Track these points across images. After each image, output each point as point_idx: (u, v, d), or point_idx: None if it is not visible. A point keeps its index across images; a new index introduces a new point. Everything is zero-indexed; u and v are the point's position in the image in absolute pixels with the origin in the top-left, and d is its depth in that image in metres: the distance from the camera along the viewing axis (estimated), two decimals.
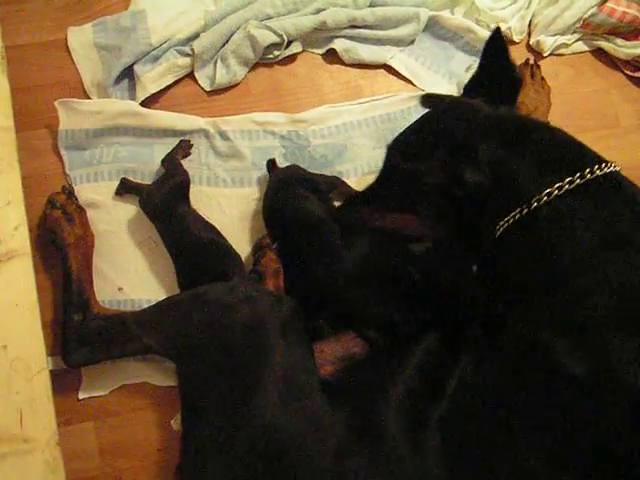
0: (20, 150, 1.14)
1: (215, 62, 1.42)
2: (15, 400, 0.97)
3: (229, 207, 1.32)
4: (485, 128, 0.91)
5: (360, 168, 1.36)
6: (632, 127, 1.48)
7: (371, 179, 1.31)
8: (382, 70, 1.48)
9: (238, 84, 1.43)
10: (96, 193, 1.30)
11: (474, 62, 1.46)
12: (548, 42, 1.49)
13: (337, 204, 1.28)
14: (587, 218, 0.83)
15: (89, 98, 1.38)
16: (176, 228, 1.20)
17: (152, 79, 1.36)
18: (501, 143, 0.89)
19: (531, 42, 1.51)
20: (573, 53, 1.53)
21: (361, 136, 1.39)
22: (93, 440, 1.18)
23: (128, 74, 1.39)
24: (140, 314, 1.09)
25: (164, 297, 1.20)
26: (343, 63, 1.47)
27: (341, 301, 1.11)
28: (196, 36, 1.42)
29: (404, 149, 1.00)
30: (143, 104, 1.37)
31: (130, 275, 1.26)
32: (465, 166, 0.88)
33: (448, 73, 1.49)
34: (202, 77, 1.42)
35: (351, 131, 1.39)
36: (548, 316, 0.83)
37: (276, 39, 1.40)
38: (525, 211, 0.86)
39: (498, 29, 1.03)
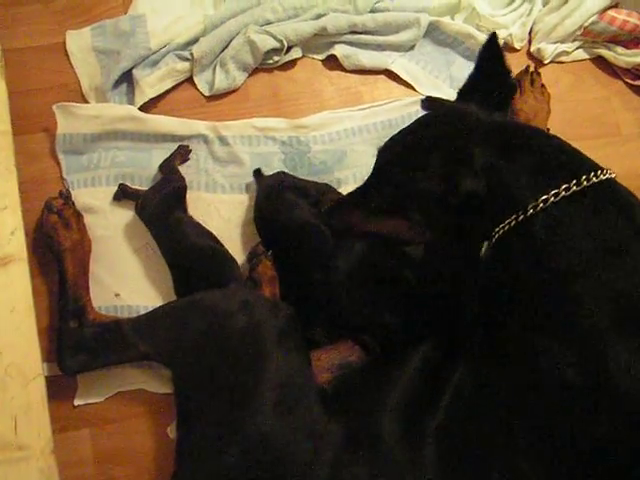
0: (17, 154, 1.14)
1: (214, 67, 1.41)
2: (10, 407, 0.96)
3: (227, 213, 1.31)
4: (480, 134, 0.91)
5: (359, 175, 1.35)
6: (632, 135, 1.48)
7: None
8: (382, 76, 1.48)
9: (237, 89, 1.42)
10: (94, 198, 1.30)
11: None
12: (549, 49, 1.49)
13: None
14: (583, 225, 0.83)
15: (87, 102, 1.38)
16: (171, 234, 1.19)
17: (151, 84, 1.36)
18: (496, 149, 0.89)
19: (532, 49, 1.51)
20: (573, 61, 1.53)
21: (361, 142, 1.39)
22: (88, 447, 1.17)
23: (127, 78, 1.39)
24: (136, 321, 1.09)
25: (161, 303, 1.20)
26: (343, 69, 1.47)
27: (337, 306, 1.10)
28: (195, 41, 1.42)
29: (396, 154, 1.00)
30: (142, 109, 1.36)
31: (127, 281, 1.25)
32: (460, 173, 0.87)
33: (449, 78, 1.49)
34: (201, 82, 1.42)
35: (352, 137, 1.39)
36: (545, 323, 0.83)
37: (276, 44, 1.40)
38: (521, 217, 0.86)
39: (494, 34, 1.03)
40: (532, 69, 1.41)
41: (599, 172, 0.85)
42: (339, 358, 1.05)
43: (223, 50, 1.41)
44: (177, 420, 1.00)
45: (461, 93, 1.07)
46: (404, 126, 1.37)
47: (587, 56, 1.52)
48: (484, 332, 0.93)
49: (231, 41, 1.41)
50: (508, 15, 1.51)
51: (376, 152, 1.35)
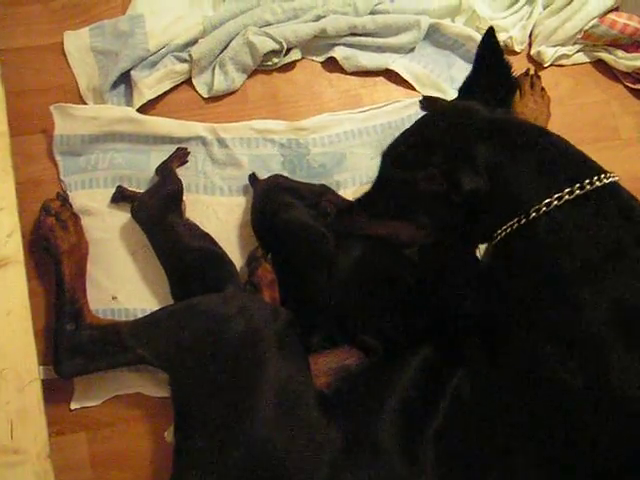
0: (14, 155, 1.13)
1: (213, 68, 1.40)
2: (5, 410, 0.96)
3: (225, 215, 1.31)
4: (482, 131, 0.90)
5: (358, 178, 1.35)
6: (632, 139, 1.48)
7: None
8: (382, 78, 1.47)
9: (236, 91, 1.42)
10: (91, 200, 1.29)
11: None
12: (549, 53, 1.48)
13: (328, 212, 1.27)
14: (586, 230, 0.82)
15: (85, 103, 1.37)
16: (166, 237, 1.19)
17: (149, 85, 1.35)
18: (500, 147, 0.88)
19: (532, 52, 1.51)
20: (574, 64, 1.52)
21: (361, 145, 1.38)
22: (85, 451, 1.16)
23: (125, 79, 1.38)
24: (134, 324, 1.08)
25: (159, 306, 1.20)
26: (343, 71, 1.46)
27: (337, 309, 1.09)
28: (194, 42, 1.41)
29: (398, 156, 0.99)
30: (140, 110, 1.35)
31: (124, 284, 1.25)
32: (462, 170, 0.87)
33: (449, 78, 1.48)
34: (200, 83, 1.41)
35: (351, 140, 1.38)
36: (547, 328, 0.83)
37: (275, 46, 1.39)
38: (523, 221, 0.85)
39: (491, 29, 1.02)
40: (532, 72, 1.41)
41: (602, 176, 0.85)
42: (336, 361, 1.05)
43: (222, 51, 1.40)
44: (175, 424, 1.00)
45: (462, 91, 1.06)
46: (404, 128, 1.37)
47: (587, 59, 1.52)
48: (484, 334, 0.93)
49: (230, 42, 1.40)
50: (508, 18, 1.50)
51: (376, 155, 1.37)
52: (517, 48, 1.50)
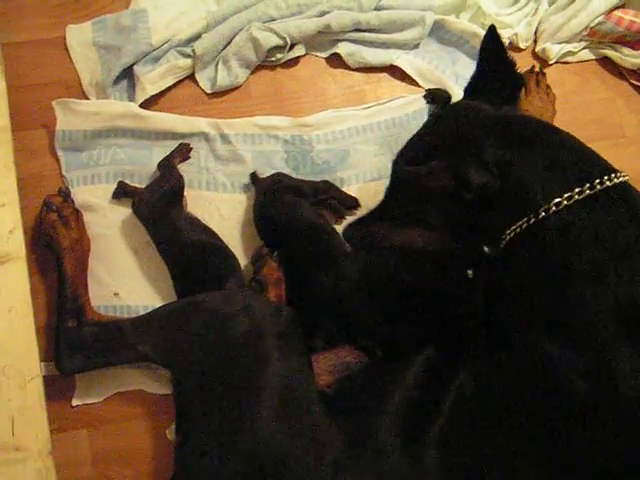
0: (16, 151, 1.13)
1: (216, 64, 1.40)
2: (7, 407, 0.96)
3: (228, 212, 1.30)
4: (490, 127, 0.90)
5: (362, 175, 1.34)
6: (637, 137, 1.47)
7: (373, 187, 1.30)
8: (386, 74, 1.46)
9: (239, 87, 1.41)
10: (93, 196, 1.28)
11: None
12: (554, 50, 1.47)
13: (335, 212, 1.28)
14: (595, 231, 0.82)
15: (87, 98, 1.36)
16: (167, 232, 1.18)
17: (152, 80, 1.34)
18: (508, 143, 0.88)
19: (537, 49, 1.50)
20: (579, 61, 1.51)
21: (365, 142, 1.37)
22: (86, 448, 1.16)
23: (127, 74, 1.37)
24: (136, 321, 1.08)
25: (161, 303, 1.19)
26: (347, 67, 1.45)
27: (342, 308, 1.09)
28: (197, 37, 1.40)
29: (408, 160, 0.99)
30: (142, 105, 1.34)
31: (126, 280, 1.24)
32: (469, 164, 0.86)
33: (454, 75, 1.47)
34: (203, 79, 1.40)
35: (355, 136, 1.37)
36: (553, 329, 0.82)
37: (279, 42, 1.38)
38: (532, 221, 0.85)
39: (493, 27, 1.01)
40: (537, 69, 1.40)
41: (612, 175, 0.84)
42: (336, 359, 1.05)
43: (225, 47, 1.39)
44: (176, 422, 1.00)
45: (467, 90, 1.06)
46: (408, 125, 1.37)
47: (593, 57, 1.51)
48: (487, 335, 0.93)
49: (234, 38, 1.39)
50: (514, 14, 1.49)
51: (380, 151, 1.36)
52: (522, 45, 1.50)
